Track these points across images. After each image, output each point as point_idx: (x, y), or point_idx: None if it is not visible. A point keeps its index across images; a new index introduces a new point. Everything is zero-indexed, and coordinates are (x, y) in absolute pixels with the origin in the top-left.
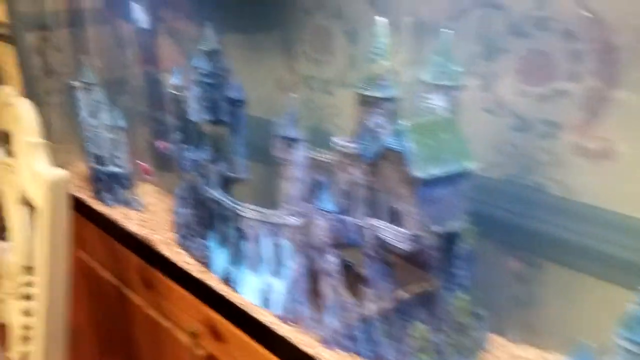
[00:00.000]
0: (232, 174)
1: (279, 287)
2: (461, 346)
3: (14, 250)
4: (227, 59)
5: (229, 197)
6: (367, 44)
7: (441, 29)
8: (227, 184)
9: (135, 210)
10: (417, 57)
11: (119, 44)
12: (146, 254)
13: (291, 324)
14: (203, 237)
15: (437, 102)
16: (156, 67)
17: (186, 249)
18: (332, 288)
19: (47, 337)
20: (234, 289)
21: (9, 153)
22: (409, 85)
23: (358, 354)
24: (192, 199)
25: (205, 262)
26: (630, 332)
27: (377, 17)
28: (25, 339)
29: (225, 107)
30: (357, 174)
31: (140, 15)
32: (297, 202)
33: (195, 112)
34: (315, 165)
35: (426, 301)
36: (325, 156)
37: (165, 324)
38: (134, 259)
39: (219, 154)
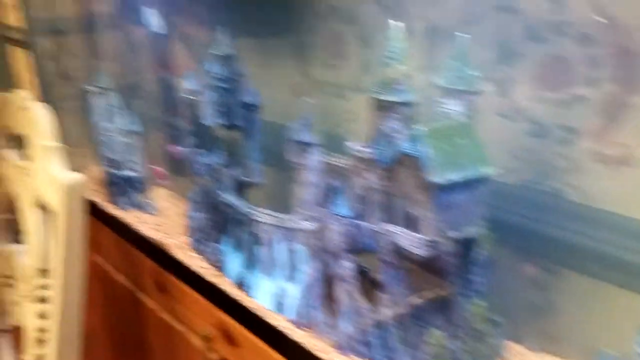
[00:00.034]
0: (246, 179)
1: (293, 291)
2: (478, 353)
3: (29, 253)
4: (241, 63)
5: (243, 202)
6: (380, 48)
7: (457, 34)
8: (241, 188)
9: (150, 214)
10: (432, 62)
11: (133, 49)
12: (160, 257)
13: (305, 329)
14: (217, 241)
15: (454, 106)
16: (170, 71)
17: (200, 253)
18: (347, 293)
19: (62, 340)
20: (248, 294)
21: (25, 157)
22: (423, 90)
23: None
24: (206, 203)
25: (219, 267)
26: None
27: (392, 22)
28: (40, 342)
29: (239, 112)
30: (372, 179)
31: (154, 20)
32: (311, 206)
33: (210, 117)
34: (330, 169)
35: (442, 307)
36: (340, 161)
37: (179, 327)
38: (148, 263)
39: (233, 159)
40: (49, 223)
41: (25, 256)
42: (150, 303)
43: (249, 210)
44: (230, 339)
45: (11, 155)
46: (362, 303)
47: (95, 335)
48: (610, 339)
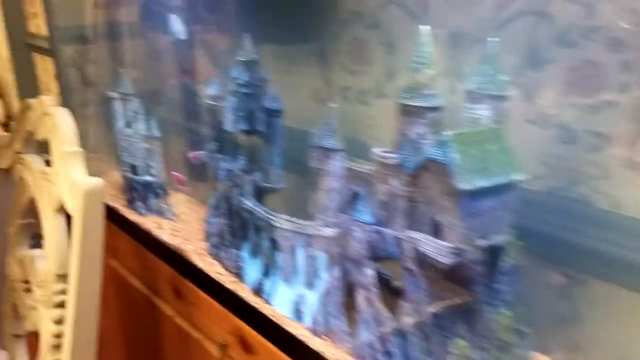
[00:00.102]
0: (266, 184)
1: (312, 299)
2: None
3: (47, 258)
4: (264, 69)
5: (263, 208)
6: (404, 54)
7: (488, 38)
8: (261, 194)
9: (168, 219)
10: (457, 67)
11: (155, 56)
12: (177, 263)
13: (324, 337)
14: (236, 247)
15: (482, 112)
16: (192, 78)
17: (218, 259)
18: (367, 301)
19: (77, 345)
20: (266, 301)
21: (46, 162)
22: (448, 95)
23: None
24: (225, 209)
25: (237, 273)
26: None
27: (421, 26)
28: (56, 348)
29: (261, 117)
30: (396, 185)
31: (177, 26)
32: (333, 213)
33: (231, 122)
34: (353, 175)
35: (466, 317)
36: (363, 167)
37: (195, 334)
38: (165, 269)
39: (254, 164)
40: (68, 228)
41: (44, 261)
42: (166, 309)
43: (268, 216)
44: (246, 346)
45: (33, 160)
46: (383, 311)
47: (110, 341)
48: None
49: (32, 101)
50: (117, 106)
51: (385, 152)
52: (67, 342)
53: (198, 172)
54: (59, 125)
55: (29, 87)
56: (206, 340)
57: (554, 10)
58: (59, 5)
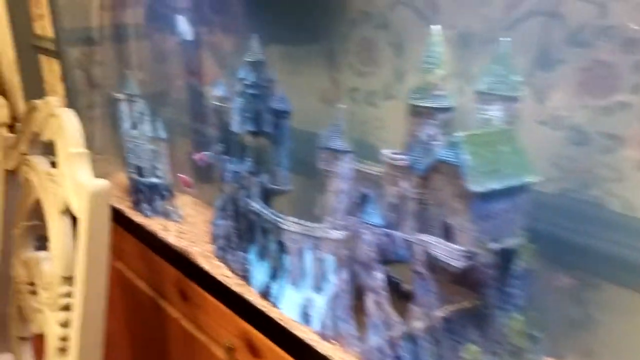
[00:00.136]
0: (274, 186)
1: (320, 302)
2: None
3: (53, 260)
4: (271, 70)
5: (270, 210)
6: (414, 55)
7: (500, 38)
8: (268, 196)
9: (174, 221)
10: (467, 68)
11: (161, 57)
12: (184, 265)
13: (332, 341)
14: (242, 249)
15: (494, 112)
16: (198, 79)
17: (225, 261)
18: (377, 305)
19: (83, 348)
20: (273, 304)
21: (52, 163)
22: (459, 96)
23: None
24: (232, 211)
25: (244, 276)
26: None
27: (432, 26)
28: (62, 351)
29: (268, 119)
30: (407, 187)
31: (184, 27)
32: (341, 215)
33: (238, 124)
34: (362, 177)
35: (477, 321)
36: (372, 168)
37: (201, 337)
38: (171, 271)
39: (261, 166)
40: (74, 230)
41: (49, 263)
42: (172, 311)
43: (276, 218)
44: (253, 350)
45: (39, 161)
46: (393, 315)
47: (116, 343)
48: None
49: (37, 102)
50: (123, 107)
51: (395, 153)
52: (73, 345)
53: (204, 174)
54: (65, 126)
55: (34, 88)
56: (212, 343)
57: (565, 10)
58: (65, 7)
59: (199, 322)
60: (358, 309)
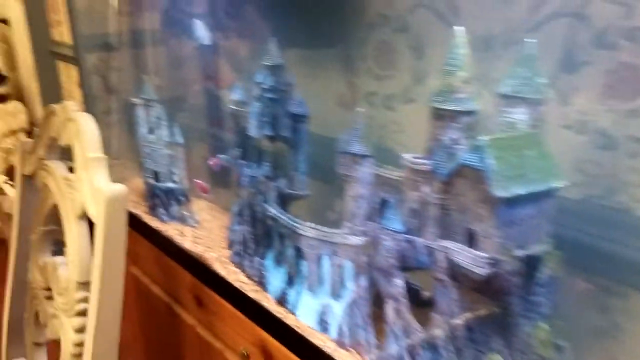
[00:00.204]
0: (291, 191)
1: (338, 310)
2: None
3: (69, 266)
4: (289, 74)
5: (288, 215)
6: (434, 58)
7: (525, 40)
8: (285, 201)
9: (190, 226)
10: (490, 71)
11: (178, 62)
12: (199, 271)
13: (350, 349)
14: (259, 255)
15: (519, 116)
16: (216, 83)
17: (241, 267)
18: (396, 312)
19: (98, 354)
20: (290, 310)
21: (69, 168)
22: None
23: None
24: (248, 216)
25: (261, 282)
26: None
27: (455, 27)
28: (77, 357)
29: (286, 123)
30: (428, 191)
31: (201, 32)
32: (361, 220)
33: (255, 128)
34: (382, 182)
35: (501, 330)
36: (393, 173)
37: (216, 344)
38: (186, 276)
39: (278, 171)
40: (90, 235)
41: (66, 268)
42: (187, 317)
43: (293, 223)
44: (269, 357)
45: (56, 166)
46: (413, 323)
47: (130, 349)
48: None
49: (55, 107)
50: (140, 112)
51: (417, 157)
52: (87, 350)
53: (221, 179)
54: (83, 130)
55: (52, 94)
56: (228, 350)
57: (590, 11)
58: (83, 14)
59: (214, 329)
60: (377, 316)
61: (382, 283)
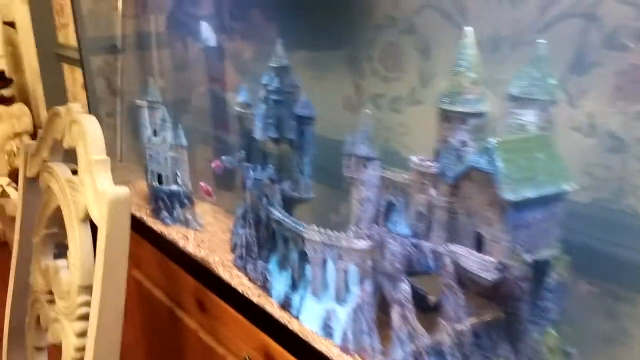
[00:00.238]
0: (296, 194)
1: (343, 315)
2: None
3: (71, 269)
4: (295, 76)
5: (292, 218)
6: (441, 59)
7: (536, 40)
8: (290, 204)
9: (194, 230)
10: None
11: (183, 64)
12: (202, 275)
13: (354, 355)
14: (263, 259)
15: (528, 117)
16: (221, 85)
17: (244, 271)
18: (402, 318)
19: (99, 358)
20: (294, 315)
21: (73, 170)
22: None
23: None
24: (252, 219)
25: (264, 286)
26: None
27: (465, 27)
28: None
29: (291, 125)
30: (436, 195)
31: (207, 34)
32: (366, 224)
33: (260, 130)
34: (388, 185)
35: (509, 336)
36: (399, 176)
37: (219, 349)
38: (189, 280)
39: (283, 173)
40: (93, 238)
41: (68, 272)
42: (189, 322)
43: (297, 227)
44: None
45: (60, 168)
46: (419, 328)
47: (131, 353)
48: None
49: (60, 108)
50: (145, 115)
51: (424, 160)
52: (89, 355)
53: (225, 182)
54: (87, 133)
55: (57, 97)
56: (230, 355)
57: (600, 12)
58: (89, 16)
59: (216, 334)
60: (382, 321)
61: (387, 288)
